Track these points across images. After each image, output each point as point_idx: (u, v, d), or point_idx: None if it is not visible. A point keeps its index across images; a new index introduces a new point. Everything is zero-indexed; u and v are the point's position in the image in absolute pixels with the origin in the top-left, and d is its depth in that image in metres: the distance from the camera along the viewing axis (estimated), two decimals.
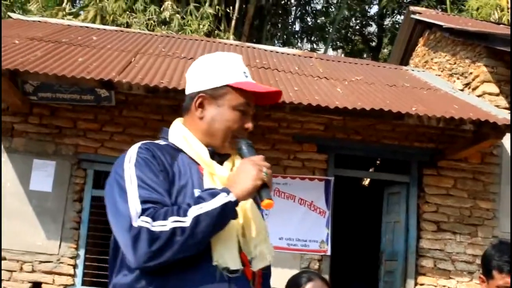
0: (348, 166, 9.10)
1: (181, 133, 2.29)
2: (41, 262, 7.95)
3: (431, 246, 8.43)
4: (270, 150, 8.37)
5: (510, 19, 7.99)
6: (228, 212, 2.02)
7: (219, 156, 2.26)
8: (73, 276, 8.01)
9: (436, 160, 8.61)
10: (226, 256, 2.07)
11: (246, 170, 2.09)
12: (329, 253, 8.23)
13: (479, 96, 9.14)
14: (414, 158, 8.73)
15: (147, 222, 1.95)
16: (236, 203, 2.04)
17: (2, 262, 7.88)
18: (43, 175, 8.08)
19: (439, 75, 10.94)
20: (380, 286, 9.08)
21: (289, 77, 9.02)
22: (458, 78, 10.15)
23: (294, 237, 8.13)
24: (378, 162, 11.14)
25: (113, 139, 8.33)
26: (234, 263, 2.07)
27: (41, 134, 8.23)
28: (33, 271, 7.94)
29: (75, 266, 8.02)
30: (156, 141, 2.27)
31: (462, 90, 9.76)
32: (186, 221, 1.96)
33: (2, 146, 8.12)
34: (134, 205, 2.00)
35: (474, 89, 9.41)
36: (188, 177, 2.12)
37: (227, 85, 2.26)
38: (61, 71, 7.17)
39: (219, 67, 2.29)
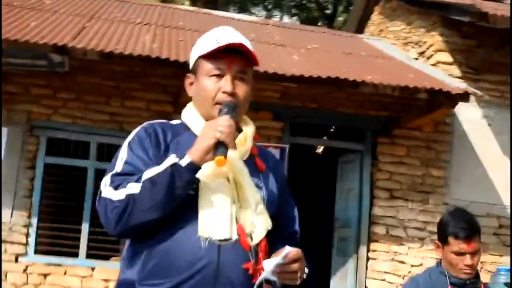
0: (303, 134, 9.14)
1: (187, 112, 2.36)
2: None
3: (383, 213, 8.55)
4: None
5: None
6: (178, 173, 2.02)
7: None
8: (26, 245, 7.91)
9: (390, 129, 8.68)
10: (210, 226, 2.08)
11: (202, 131, 2.12)
12: None
13: (433, 65, 9.22)
14: (369, 126, 8.79)
15: (109, 192, 2.07)
16: (191, 165, 2.04)
17: None
18: None
19: (394, 44, 11.00)
20: (333, 252, 9.20)
21: None
22: (413, 47, 10.22)
23: None
24: (332, 130, 11.19)
25: (66, 105, 8.19)
26: (220, 234, 2.08)
27: None
28: None
29: (27, 235, 7.91)
30: (171, 121, 2.36)
31: (416, 59, 9.83)
32: (138, 187, 2.03)
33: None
34: (107, 178, 2.13)
35: (428, 58, 9.49)
36: (187, 151, 2.11)
37: (198, 58, 2.30)
38: (14, 35, 7.00)
39: (197, 45, 2.34)
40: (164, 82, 8.28)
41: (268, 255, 2.20)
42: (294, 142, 8.69)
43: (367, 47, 10.54)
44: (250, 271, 2.11)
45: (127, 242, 2.23)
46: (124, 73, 8.25)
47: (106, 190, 2.09)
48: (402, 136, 8.71)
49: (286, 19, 23.51)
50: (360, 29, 12.88)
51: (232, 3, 22.77)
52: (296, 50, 9.18)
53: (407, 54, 10.14)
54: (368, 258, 8.53)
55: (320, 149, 13.28)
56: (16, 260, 7.86)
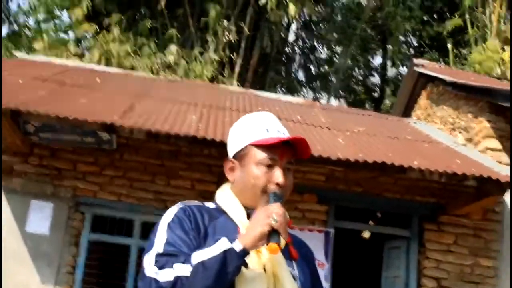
0: (349, 218, 9.01)
1: (224, 196, 2.35)
2: None
3: None
4: None
5: (510, 74, 8.04)
6: (230, 259, 1.98)
7: None
8: None
9: (437, 215, 8.51)
10: None
11: (256, 218, 2.08)
12: None
13: (481, 151, 9.10)
14: (416, 212, 8.63)
15: (155, 272, 2.02)
16: (243, 251, 2.01)
17: None
18: (41, 217, 7.97)
19: (441, 129, 10.92)
20: None
21: (291, 125, 8.99)
22: (460, 132, 10.13)
23: None
24: (379, 215, 11.03)
25: (112, 182, 8.25)
26: None
27: (40, 175, 8.14)
28: None
29: None
30: (204, 203, 2.34)
31: (464, 144, 9.72)
32: (188, 269, 1.98)
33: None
34: (151, 257, 2.09)
35: (476, 144, 9.38)
36: (224, 235, 2.09)
37: (248, 145, 2.30)
38: (64, 112, 7.14)
39: (243, 130, 2.35)
40: (209, 162, 8.30)
41: None
42: (339, 226, 8.56)
43: (414, 131, 10.48)
44: None
45: None
46: (170, 152, 8.32)
47: (151, 269, 2.05)
48: (449, 223, 8.52)
49: (333, 101, 23.69)
50: (407, 113, 12.84)
51: (279, 84, 23.05)
52: (341, 133, 9.17)
53: (454, 139, 10.05)
54: None
55: (366, 234, 13.08)
56: None
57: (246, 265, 2.05)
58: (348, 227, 8.92)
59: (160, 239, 2.13)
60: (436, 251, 8.44)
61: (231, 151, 2.36)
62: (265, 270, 2.13)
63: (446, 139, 10.00)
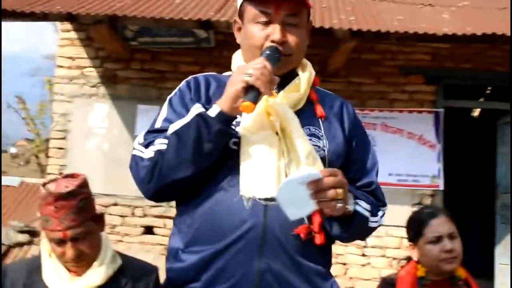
0: (458, 96, 8.68)
1: (236, 62, 2.19)
2: (152, 206, 8.01)
3: None
4: (375, 84, 8.09)
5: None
6: (204, 125, 1.82)
7: (284, 79, 2.05)
8: None
9: None
10: (253, 184, 1.87)
11: (232, 77, 1.91)
12: (441, 187, 7.92)
13: None
14: None
15: (140, 150, 1.94)
16: (220, 115, 1.84)
17: (115, 207, 8.06)
18: (148, 120, 8.08)
19: None
20: (497, 220, 8.71)
21: (392, 6, 8.64)
22: None
23: (404, 172, 7.84)
24: (488, 91, 10.62)
25: None
26: (264, 192, 1.86)
27: (144, 80, 8.23)
28: (144, 215, 8.06)
29: None
30: (224, 73, 2.19)
31: None
32: (165, 142, 1.88)
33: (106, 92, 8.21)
34: (140, 136, 2.01)
35: None
36: None
37: (243, 1, 2.09)
38: (159, 13, 7.09)
39: None
40: (310, 52, 8.09)
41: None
42: (448, 106, 8.28)
43: None
44: (303, 235, 1.88)
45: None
46: None
47: (138, 148, 1.96)
48: None
49: None
50: None
51: None
52: (446, 8, 8.72)
53: None
54: None
55: (476, 112, 12.68)
56: None
57: (230, 134, 1.89)
58: (458, 105, 8.63)
59: (160, 117, 2.04)
60: None
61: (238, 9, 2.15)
62: (277, 132, 1.95)
63: None
